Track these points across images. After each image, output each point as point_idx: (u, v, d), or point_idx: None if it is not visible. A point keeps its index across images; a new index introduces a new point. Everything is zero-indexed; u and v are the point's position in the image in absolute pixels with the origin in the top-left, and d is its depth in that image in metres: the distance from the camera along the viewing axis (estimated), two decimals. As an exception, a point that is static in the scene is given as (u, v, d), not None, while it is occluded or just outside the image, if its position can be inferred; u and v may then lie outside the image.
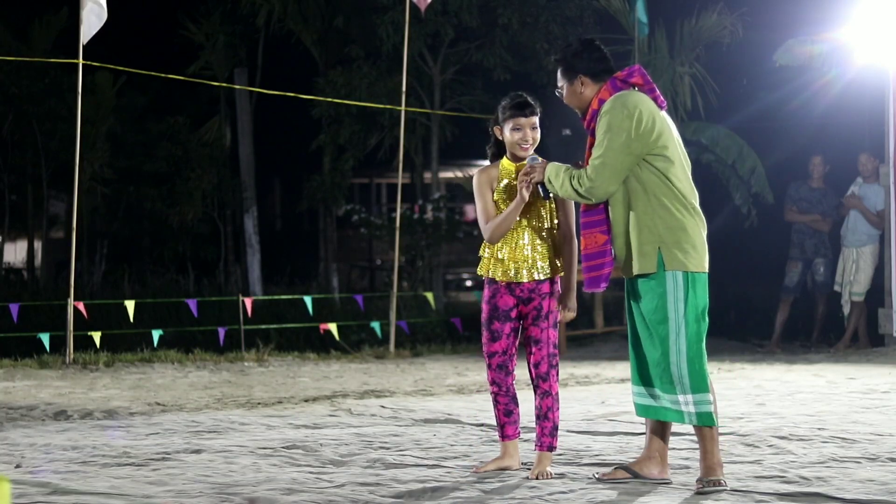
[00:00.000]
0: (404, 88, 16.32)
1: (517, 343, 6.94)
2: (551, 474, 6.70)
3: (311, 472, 6.86)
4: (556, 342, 6.84)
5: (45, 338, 14.20)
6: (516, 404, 6.97)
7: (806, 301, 16.51)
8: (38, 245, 30.01)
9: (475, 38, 22.02)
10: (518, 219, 6.83)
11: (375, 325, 16.24)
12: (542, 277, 6.80)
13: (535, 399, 6.88)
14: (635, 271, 6.36)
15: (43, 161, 26.55)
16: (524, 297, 6.83)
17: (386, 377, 12.84)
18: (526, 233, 6.84)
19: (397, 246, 16.57)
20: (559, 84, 6.68)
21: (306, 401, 10.63)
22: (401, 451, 7.62)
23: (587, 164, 6.47)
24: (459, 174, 25.35)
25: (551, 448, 6.82)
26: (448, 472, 6.84)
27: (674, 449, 7.43)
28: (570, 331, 17.02)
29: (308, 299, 16.30)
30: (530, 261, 6.81)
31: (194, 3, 26.75)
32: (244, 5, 24.04)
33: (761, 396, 10.50)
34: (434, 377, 12.77)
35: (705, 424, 6.33)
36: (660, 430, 6.54)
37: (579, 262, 6.64)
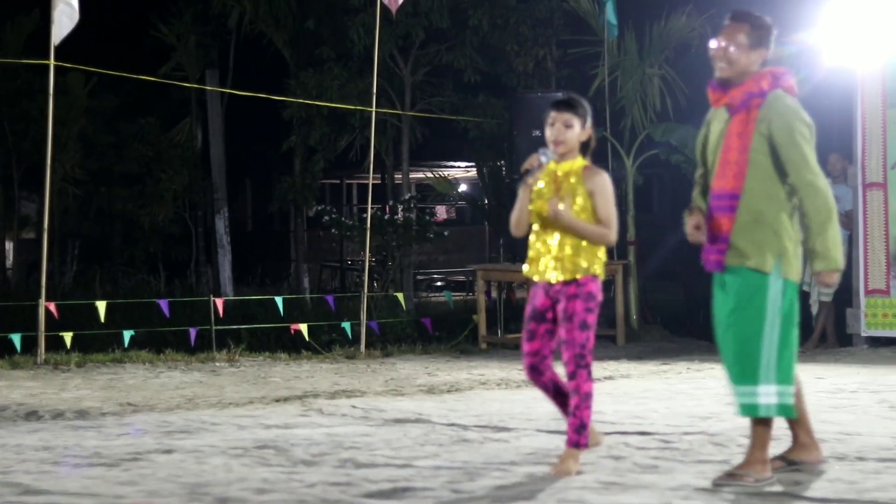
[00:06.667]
0: (375, 90, 16.34)
1: (552, 345, 6.92)
2: (571, 472, 6.68)
3: (282, 472, 6.89)
4: (583, 343, 6.71)
5: (16, 338, 14.16)
6: (553, 395, 6.99)
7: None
8: (9, 246, 29.85)
9: (446, 40, 22.03)
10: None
11: (346, 325, 16.22)
12: (564, 279, 6.81)
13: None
14: (746, 265, 6.43)
15: (14, 162, 26.43)
16: (555, 297, 6.86)
17: (356, 377, 12.85)
18: (557, 233, 6.86)
19: (368, 246, 16.58)
20: (730, 36, 6.48)
21: (277, 401, 10.65)
22: (371, 450, 7.65)
23: (728, 152, 6.62)
24: (430, 175, 25.31)
25: (576, 445, 6.75)
26: (418, 472, 6.88)
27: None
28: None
29: (279, 300, 16.29)
30: (558, 261, 6.84)
31: (165, 4, 26.68)
32: (215, 6, 23.99)
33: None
34: (404, 377, 12.79)
35: (786, 416, 6.46)
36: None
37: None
